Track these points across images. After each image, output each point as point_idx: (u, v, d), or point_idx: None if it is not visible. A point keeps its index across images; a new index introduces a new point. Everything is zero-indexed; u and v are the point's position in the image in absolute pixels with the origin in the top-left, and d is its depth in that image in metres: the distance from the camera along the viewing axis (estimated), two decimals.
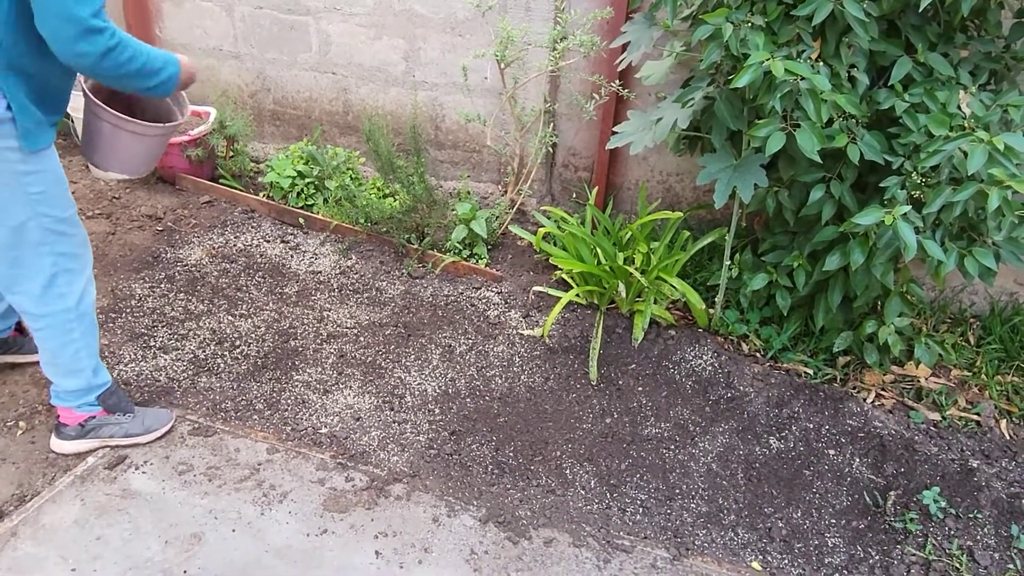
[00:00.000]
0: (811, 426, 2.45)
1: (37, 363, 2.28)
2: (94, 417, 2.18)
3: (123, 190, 3.60)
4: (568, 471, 2.29)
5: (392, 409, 2.47)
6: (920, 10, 1.82)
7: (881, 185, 2.00)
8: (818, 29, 1.95)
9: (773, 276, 2.57)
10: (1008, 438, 2.47)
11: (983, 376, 2.69)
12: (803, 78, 1.83)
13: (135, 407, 2.27)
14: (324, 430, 2.37)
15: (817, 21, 1.84)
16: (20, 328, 2.27)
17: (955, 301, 2.97)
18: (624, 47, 2.56)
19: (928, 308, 2.90)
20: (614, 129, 2.42)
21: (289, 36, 3.61)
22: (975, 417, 2.53)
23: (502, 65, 2.99)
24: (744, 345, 2.79)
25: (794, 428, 2.45)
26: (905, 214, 1.89)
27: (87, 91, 1.97)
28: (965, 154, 1.84)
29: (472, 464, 2.28)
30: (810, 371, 2.66)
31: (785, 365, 2.69)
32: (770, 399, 2.55)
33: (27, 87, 1.76)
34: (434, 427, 2.41)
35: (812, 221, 2.34)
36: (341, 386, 2.56)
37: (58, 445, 2.20)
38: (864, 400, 2.56)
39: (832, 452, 2.37)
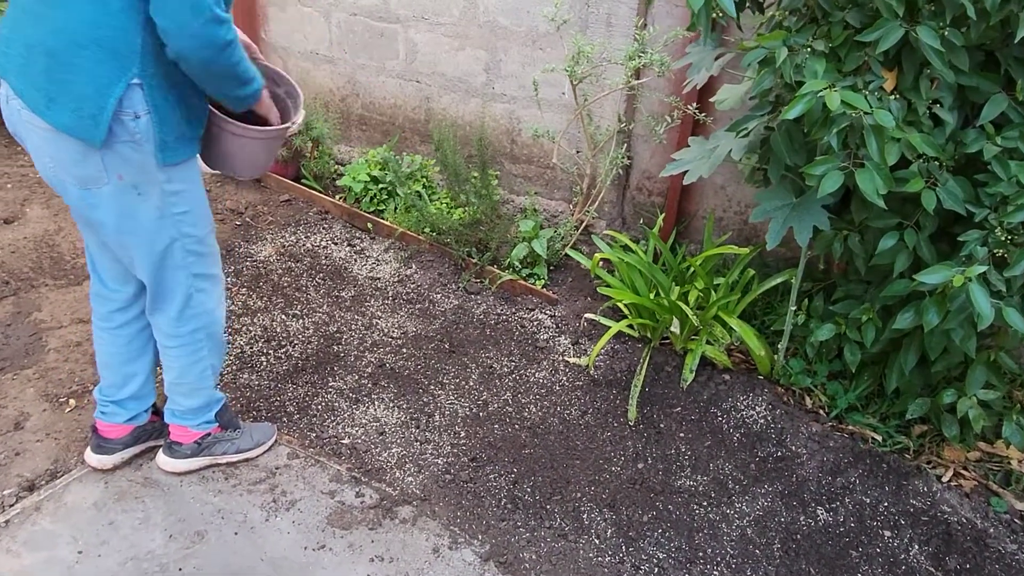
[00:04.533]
0: (867, 500, 2.18)
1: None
2: (210, 435, 2.14)
3: (215, 184, 3.77)
4: (585, 516, 2.15)
5: (418, 427, 2.42)
6: (1017, 40, 1.56)
7: (960, 239, 1.74)
8: (893, 58, 1.72)
9: (842, 328, 2.32)
10: None
11: None
12: (866, 112, 1.61)
13: (241, 422, 2.25)
14: (346, 440, 2.35)
15: (883, 48, 1.62)
16: (158, 412, 2.22)
17: None
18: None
19: None
20: (672, 156, 2.26)
21: (379, 43, 3.66)
22: None
23: (574, 81, 2.88)
24: (808, 399, 2.54)
25: (847, 500, 2.19)
26: (982, 275, 1.62)
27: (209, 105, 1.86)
28: None
29: (486, 495, 2.19)
30: (879, 437, 2.38)
31: (850, 427, 2.42)
32: (824, 464, 2.29)
33: (171, 96, 1.68)
34: (455, 451, 2.33)
35: (886, 272, 2.08)
36: (373, 397, 2.53)
37: (170, 464, 2.14)
38: (938, 478, 2.26)
39: (887, 534, 2.09)
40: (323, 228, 3.49)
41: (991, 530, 2.06)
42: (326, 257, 3.29)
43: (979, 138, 1.77)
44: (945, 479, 2.26)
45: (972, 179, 1.81)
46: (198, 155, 1.87)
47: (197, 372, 2.05)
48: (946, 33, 1.60)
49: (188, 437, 2.13)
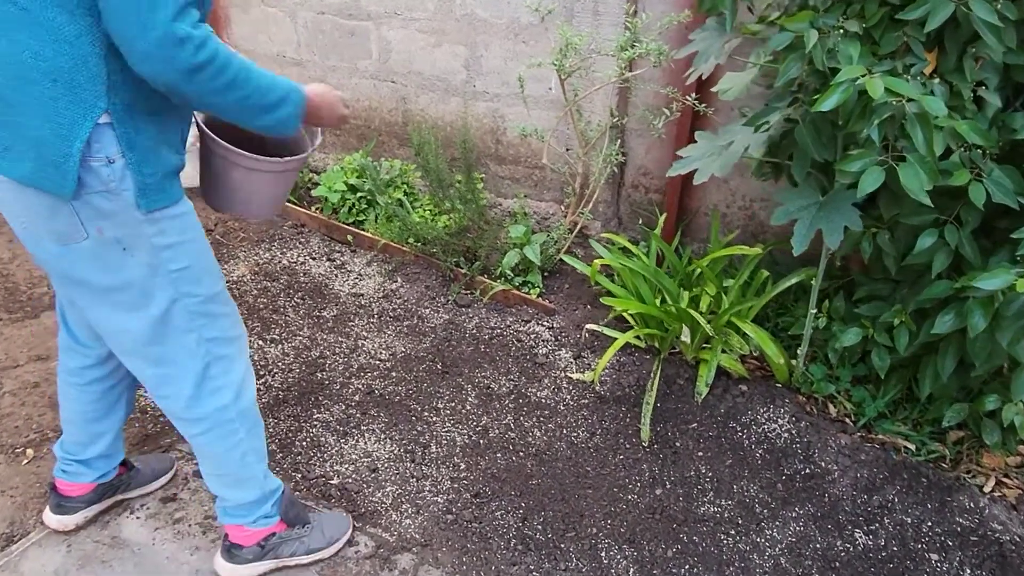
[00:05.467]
0: (909, 520, 2.01)
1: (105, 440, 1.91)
2: (274, 534, 1.81)
3: None
4: (604, 553, 1.95)
5: (413, 461, 2.21)
6: None
7: (1014, 237, 1.56)
8: (934, 37, 1.54)
9: (869, 331, 2.14)
10: None
11: None
12: (910, 100, 1.42)
13: (309, 513, 1.92)
14: (335, 480, 2.14)
15: (932, 27, 1.44)
16: (126, 463, 1.98)
17: None
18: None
19: None
20: (678, 153, 2.07)
21: (350, 42, 3.43)
22: None
23: (562, 75, 2.68)
24: (831, 407, 2.36)
25: (887, 521, 2.01)
26: None
27: (197, 119, 1.56)
28: None
29: (493, 536, 1.99)
30: (912, 446, 2.21)
31: (880, 437, 2.24)
32: (859, 480, 2.12)
33: (151, 127, 1.38)
34: (456, 486, 2.13)
35: (920, 271, 1.90)
36: (363, 429, 2.32)
37: (231, 571, 1.81)
38: (980, 489, 2.09)
39: (935, 557, 1.92)
40: (299, 242, 3.27)
41: None
42: (304, 274, 3.06)
43: None
44: (987, 489, 2.10)
45: (1021, 168, 1.63)
46: (193, 195, 1.56)
47: (236, 459, 1.70)
48: (999, 6, 1.42)
49: (249, 539, 1.79)
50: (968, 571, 1.88)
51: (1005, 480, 2.14)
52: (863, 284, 2.25)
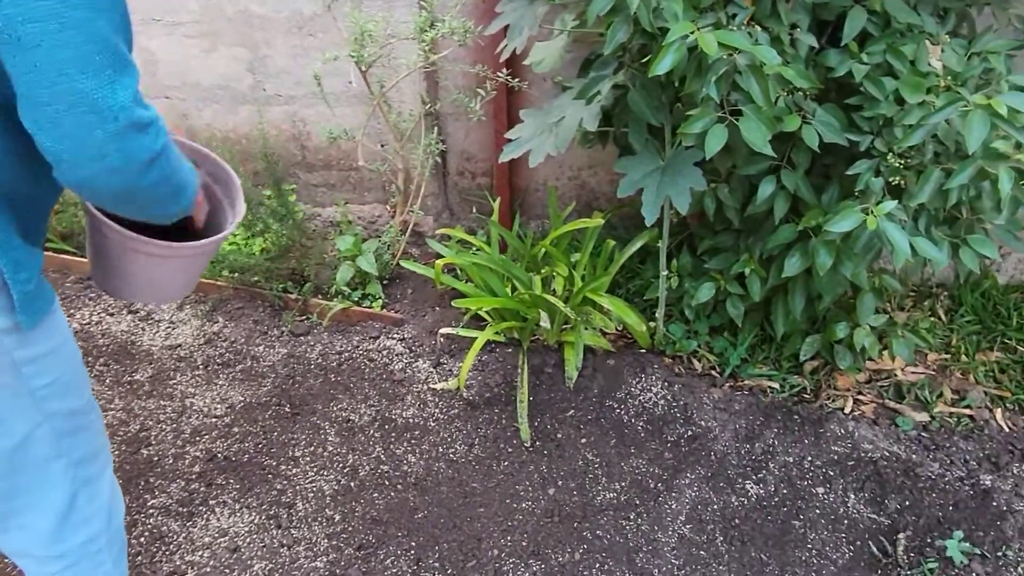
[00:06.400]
0: (791, 460, 2.05)
1: None
2: None
3: None
4: (511, 574, 1.82)
5: (279, 527, 1.94)
6: None
7: (849, 173, 1.58)
8: None
9: (720, 283, 2.15)
10: (1008, 430, 2.13)
11: (963, 357, 2.36)
12: (741, 51, 1.37)
13: None
14: (190, 574, 1.82)
15: None
16: None
17: (916, 271, 2.63)
18: (506, 30, 2.06)
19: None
20: (507, 135, 1.93)
21: None
22: (967, 411, 2.19)
23: (362, 67, 2.45)
24: (696, 363, 2.37)
25: (772, 466, 2.04)
26: (890, 212, 1.47)
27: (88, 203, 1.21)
28: (948, 123, 1.44)
29: None
30: (776, 385, 2.27)
31: (747, 382, 2.28)
32: (738, 432, 2.14)
33: (17, 221, 1.07)
34: (335, 543, 1.89)
35: (761, 218, 1.91)
36: (211, 503, 2.00)
37: None
38: (842, 411, 2.19)
39: (821, 491, 1.97)
40: (89, 299, 2.79)
41: (913, 457, 2.01)
42: (103, 334, 2.62)
43: (844, 59, 1.61)
44: (847, 410, 2.20)
45: (842, 105, 1.65)
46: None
47: None
48: None
49: None
50: (852, 496, 1.95)
51: (860, 398, 2.25)
52: (704, 238, 2.26)
